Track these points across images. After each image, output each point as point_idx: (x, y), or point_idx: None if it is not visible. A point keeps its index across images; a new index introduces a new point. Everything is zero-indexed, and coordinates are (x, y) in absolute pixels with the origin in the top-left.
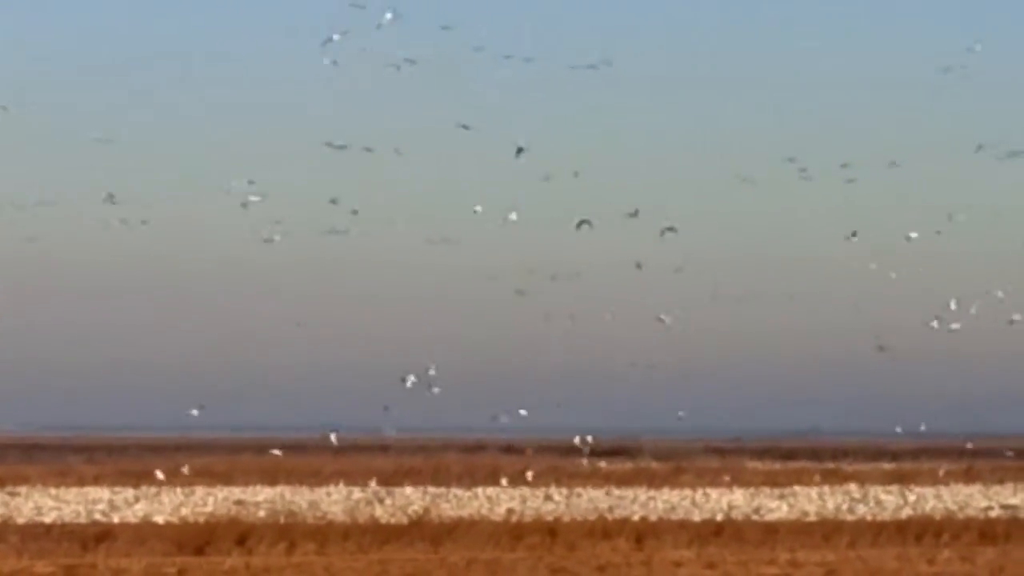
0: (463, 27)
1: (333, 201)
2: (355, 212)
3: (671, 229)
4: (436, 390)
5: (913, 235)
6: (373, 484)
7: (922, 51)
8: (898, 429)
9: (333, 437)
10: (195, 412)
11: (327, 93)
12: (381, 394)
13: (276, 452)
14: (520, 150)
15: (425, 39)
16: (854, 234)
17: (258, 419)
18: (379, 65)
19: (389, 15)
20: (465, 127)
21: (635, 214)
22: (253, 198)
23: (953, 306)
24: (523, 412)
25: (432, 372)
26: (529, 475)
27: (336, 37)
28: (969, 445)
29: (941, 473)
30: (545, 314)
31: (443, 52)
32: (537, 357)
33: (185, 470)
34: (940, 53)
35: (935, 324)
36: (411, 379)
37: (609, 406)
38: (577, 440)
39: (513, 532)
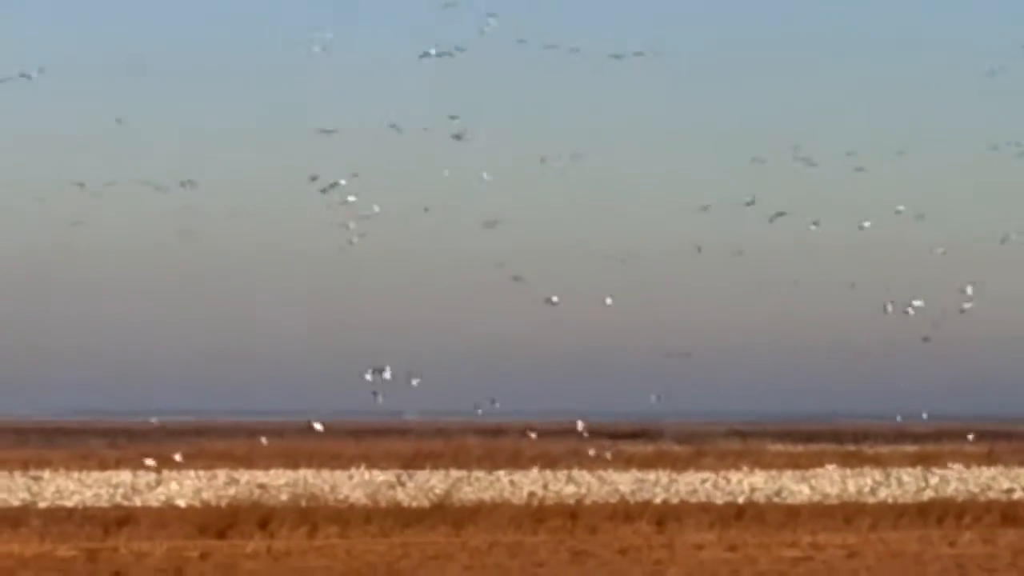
0: (509, 15)
1: (313, 178)
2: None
3: (781, 214)
4: (415, 382)
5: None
6: (362, 467)
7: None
8: (898, 418)
9: (318, 425)
10: (154, 420)
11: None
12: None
13: (263, 440)
14: (458, 136)
15: (470, 26)
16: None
17: (269, 405)
18: (417, 53)
19: (493, 21)
20: (453, 117)
21: (752, 202)
22: (351, 198)
23: (969, 291)
24: (496, 404)
25: (387, 375)
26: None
27: (433, 52)
28: (970, 437)
29: (956, 466)
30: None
31: (486, 40)
32: (556, 340)
33: (178, 457)
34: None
35: (889, 307)
36: (369, 375)
37: (632, 389)
38: (580, 426)
39: (535, 515)
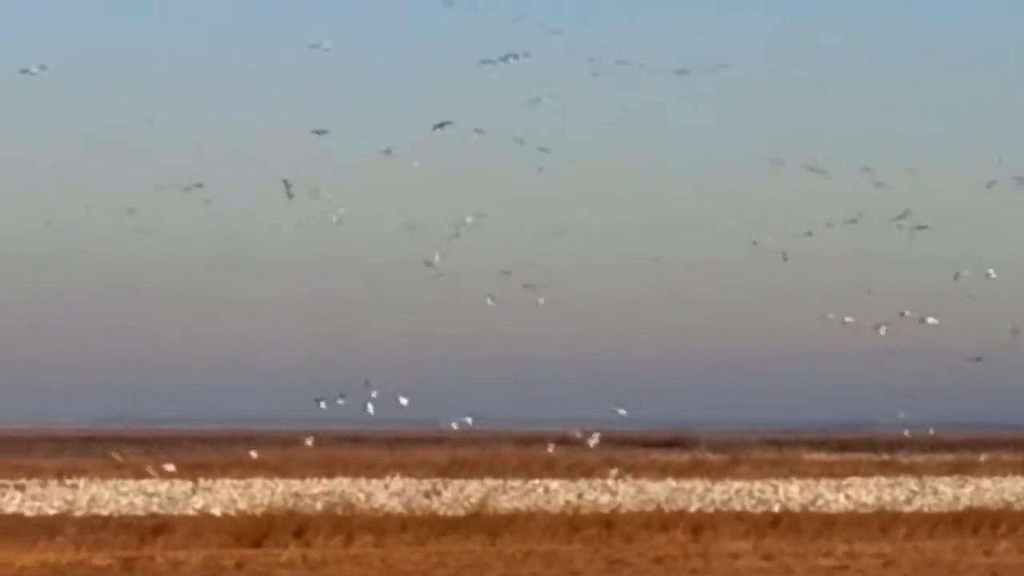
0: (574, 30)
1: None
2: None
3: (922, 227)
4: (404, 401)
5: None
6: (397, 476)
7: None
8: (906, 433)
9: (309, 441)
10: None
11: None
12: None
13: (253, 454)
14: (387, 151)
15: (534, 40)
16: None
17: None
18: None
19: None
20: (442, 125)
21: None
22: (469, 219)
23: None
24: (468, 420)
25: (374, 394)
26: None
27: (496, 59)
28: (982, 458)
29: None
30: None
31: (549, 54)
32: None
33: (170, 467)
34: None
35: (831, 316)
36: (322, 403)
37: (666, 397)
38: (579, 434)
39: (570, 524)
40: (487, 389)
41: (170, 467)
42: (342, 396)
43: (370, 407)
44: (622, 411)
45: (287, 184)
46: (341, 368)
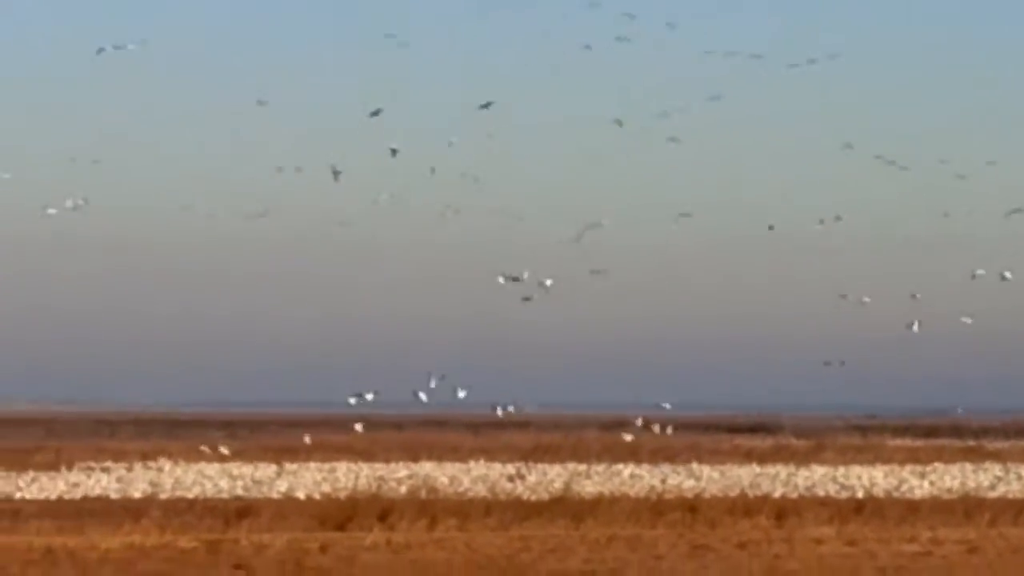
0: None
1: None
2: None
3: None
4: (462, 394)
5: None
6: (481, 460)
7: None
8: (970, 422)
9: (359, 426)
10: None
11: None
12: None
13: (307, 439)
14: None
15: (649, 34)
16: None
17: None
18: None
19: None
20: (486, 104)
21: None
22: (604, 221)
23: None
24: (511, 408)
25: (433, 383)
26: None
27: (591, 46)
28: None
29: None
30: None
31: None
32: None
33: (224, 450)
34: None
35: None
36: (352, 399)
37: (750, 383)
38: (641, 421)
39: (654, 509)
40: (564, 373)
41: (224, 449)
42: (374, 392)
43: (422, 395)
44: (667, 404)
45: (335, 170)
46: (411, 353)
